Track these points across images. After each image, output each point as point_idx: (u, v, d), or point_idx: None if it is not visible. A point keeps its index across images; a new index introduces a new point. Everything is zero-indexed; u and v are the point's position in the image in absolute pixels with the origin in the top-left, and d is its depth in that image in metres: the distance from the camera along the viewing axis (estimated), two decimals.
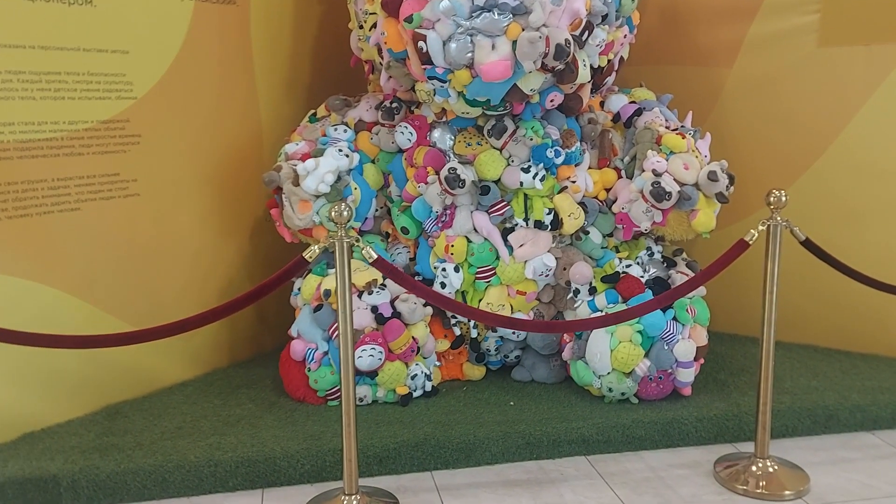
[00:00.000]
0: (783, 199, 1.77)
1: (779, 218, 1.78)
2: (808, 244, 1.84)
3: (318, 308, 2.23)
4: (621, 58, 2.44)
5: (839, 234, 2.53)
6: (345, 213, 1.61)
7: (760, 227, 1.80)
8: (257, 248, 2.70)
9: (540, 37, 1.90)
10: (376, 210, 2.43)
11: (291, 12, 2.73)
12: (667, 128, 2.34)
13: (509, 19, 1.90)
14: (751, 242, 1.80)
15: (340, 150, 2.27)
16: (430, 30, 1.96)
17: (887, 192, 2.48)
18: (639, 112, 2.41)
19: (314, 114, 2.57)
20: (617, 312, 1.85)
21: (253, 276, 2.68)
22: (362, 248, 1.66)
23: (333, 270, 2.28)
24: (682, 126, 2.37)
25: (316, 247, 1.64)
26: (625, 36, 2.33)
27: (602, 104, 2.50)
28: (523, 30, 1.90)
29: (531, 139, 2.22)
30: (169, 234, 2.37)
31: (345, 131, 2.39)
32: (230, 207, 2.56)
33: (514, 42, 1.91)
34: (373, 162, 2.41)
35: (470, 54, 1.94)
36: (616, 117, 2.44)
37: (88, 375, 2.18)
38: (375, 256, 1.67)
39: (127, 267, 2.26)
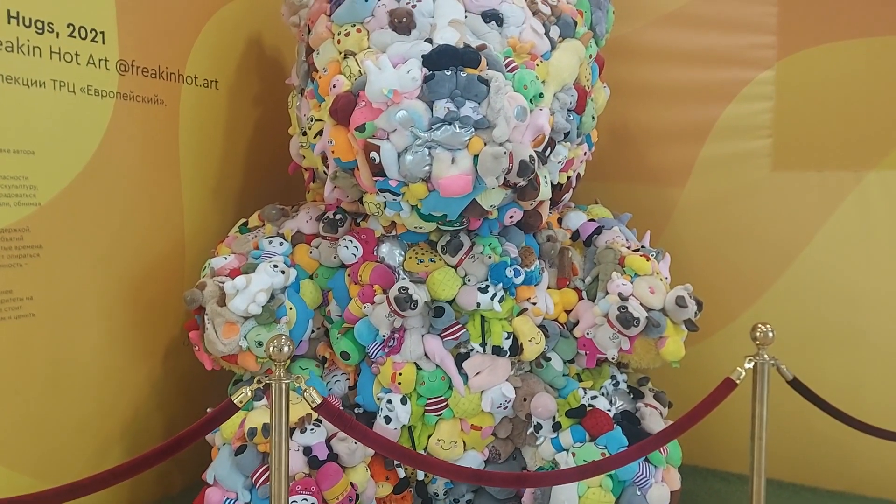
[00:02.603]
0: (770, 334, 1.64)
1: (766, 355, 1.63)
2: (795, 384, 1.70)
3: (240, 450, 1.90)
4: (578, 174, 2.34)
5: (798, 360, 2.41)
6: (285, 348, 1.35)
7: (747, 365, 1.64)
8: (171, 372, 2.36)
9: (504, 152, 1.75)
10: (312, 331, 2.16)
11: (225, 114, 2.54)
12: (628, 248, 2.22)
13: (471, 133, 1.75)
14: (738, 381, 1.64)
15: (276, 266, 2.02)
16: (384, 140, 1.79)
17: (846, 318, 2.42)
18: (598, 230, 2.29)
19: (245, 223, 2.32)
20: (593, 463, 1.62)
21: (164, 406, 2.33)
22: (305, 391, 1.40)
23: (261, 403, 1.98)
24: (642, 246, 2.26)
25: (248, 389, 1.36)
26: (585, 153, 2.25)
27: (560, 221, 2.37)
28: (485, 144, 1.76)
29: (489, 257, 2.04)
30: (68, 359, 2.02)
31: (281, 244, 2.15)
32: (142, 327, 2.24)
33: (476, 157, 1.76)
34: (311, 277, 2.17)
35: (427, 167, 1.77)
36: (575, 235, 2.32)
37: None
38: (319, 401, 1.40)
39: (15, 401, 1.90)
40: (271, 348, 1.35)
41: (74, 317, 2.03)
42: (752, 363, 1.63)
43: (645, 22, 2.65)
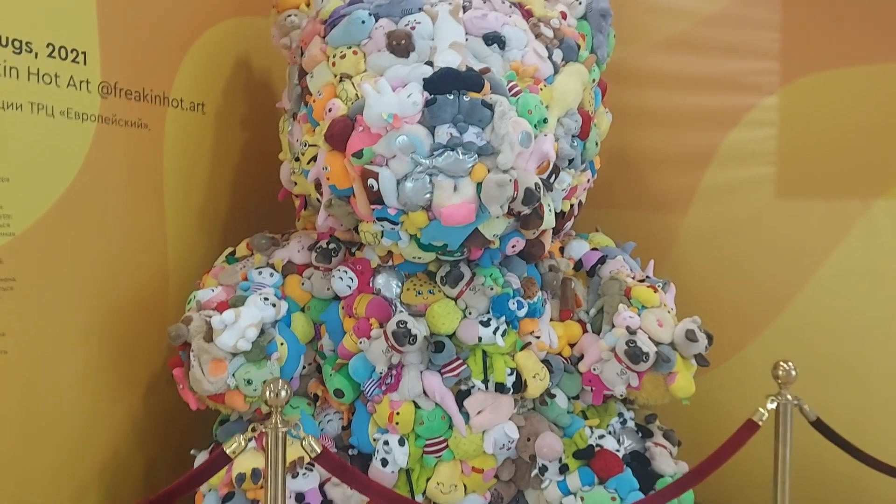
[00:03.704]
0: (793, 373, 1.56)
1: (789, 396, 1.54)
2: (818, 425, 1.61)
3: (227, 497, 1.77)
4: (580, 202, 2.26)
5: (806, 394, 2.35)
6: (282, 392, 1.24)
7: (769, 406, 1.55)
8: (152, 410, 2.22)
9: (509, 180, 1.67)
10: (303, 367, 2.04)
11: (211, 138, 2.44)
12: (633, 278, 2.14)
13: (475, 160, 1.67)
14: (760, 423, 1.55)
15: (266, 299, 1.91)
16: (382, 166, 1.70)
17: (855, 350, 2.35)
18: (602, 260, 2.20)
19: (233, 253, 2.21)
20: None
21: (144, 445, 2.19)
22: (303, 439, 1.28)
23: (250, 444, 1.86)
24: (647, 277, 2.18)
25: (241, 438, 1.25)
26: (588, 180, 2.17)
27: (562, 250, 2.28)
28: (489, 171, 1.68)
29: (490, 288, 1.94)
30: (42, 399, 1.88)
31: (271, 275, 2.05)
32: (121, 363, 2.10)
33: (479, 184, 1.68)
34: (302, 310, 2.06)
35: (428, 195, 1.68)
36: (578, 264, 2.23)
37: None
38: (319, 450, 1.29)
39: None
40: (268, 393, 1.24)
41: (49, 354, 1.90)
42: (775, 403, 1.54)
43: (645, 46, 2.60)
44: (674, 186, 2.60)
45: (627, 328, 1.94)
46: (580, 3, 2.21)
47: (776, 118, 2.43)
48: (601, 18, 2.25)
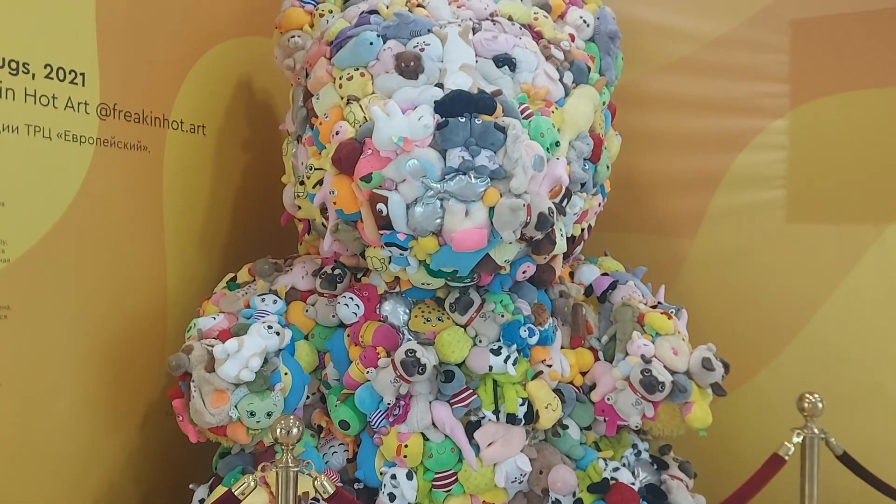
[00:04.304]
0: (819, 405, 1.50)
1: (815, 429, 1.49)
2: (845, 459, 1.56)
3: None
4: (589, 226, 2.22)
5: (819, 422, 2.30)
6: (294, 430, 1.18)
7: (795, 439, 1.50)
8: (148, 442, 2.14)
9: (523, 204, 1.62)
10: (307, 397, 1.98)
11: (212, 161, 2.39)
12: (645, 304, 2.09)
13: (487, 184, 1.62)
14: (786, 458, 1.49)
15: (270, 327, 1.84)
16: (392, 191, 1.65)
17: (869, 378, 2.30)
18: (613, 285, 2.15)
19: (234, 279, 2.15)
20: None
21: (140, 480, 2.11)
22: (315, 479, 1.22)
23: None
24: (659, 303, 2.13)
25: (251, 479, 1.18)
26: (599, 204, 2.13)
27: (572, 275, 2.23)
28: (502, 196, 1.63)
29: (501, 315, 1.89)
30: (36, 431, 1.81)
31: (274, 302, 1.98)
32: (118, 393, 2.03)
33: (491, 209, 1.63)
34: (306, 338, 1.99)
35: (439, 220, 1.63)
36: (588, 290, 2.18)
37: None
38: (332, 490, 1.23)
39: None
40: (279, 430, 1.18)
41: (44, 384, 1.82)
42: (801, 437, 1.48)
43: (651, 68, 2.57)
44: (682, 210, 2.56)
45: (642, 356, 1.89)
46: (588, 26, 2.19)
47: (786, 141, 2.40)
48: (609, 41, 2.22)
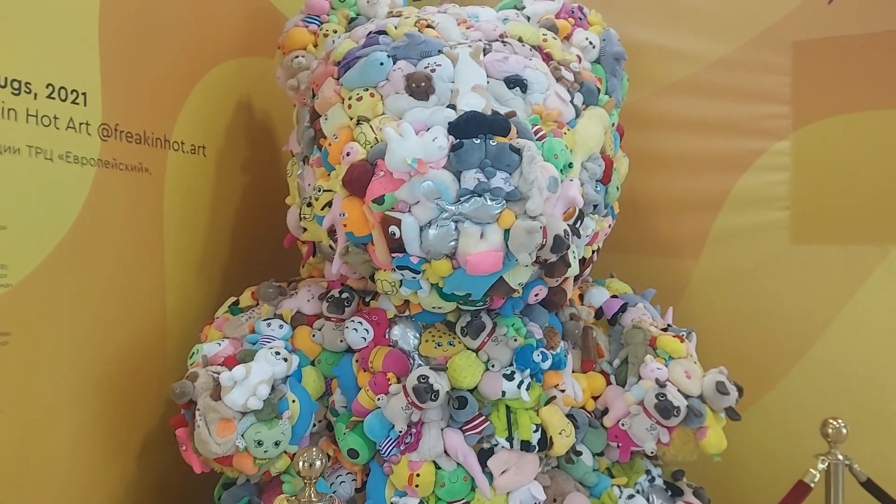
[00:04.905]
0: (843, 430, 1.48)
1: (840, 456, 1.46)
2: (869, 486, 1.54)
3: None
4: (598, 247, 2.20)
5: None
6: (317, 462, 1.13)
7: (820, 466, 1.47)
8: (147, 472, 2.07)
9: (539, 226, 1.60)
10: (314, 425, 1.92)
11: (213, 182, 2.34)
12: (655, 327, 2.07)
13: (502, 206, 1.60)
14: (812, 485, 1.47)
15: (277, 353, 1.79)
16: (405, 213, 1.62)
17: (876, 401, 2.29)
18: (623, 307, 2.13)
19: (236, 303, 2.10)
20: None
21: None
22: None
23: None
24: (669, 325, 2.11)
25: None
26: (609, 225, 2.11)
27: (581, 297, 2.21)
28: (517, 218, 1.61)
29: (514, 339, 1.85)
30: (34, 459, 1.73)
31: (280, 327, 1.93)
32: (116, 421, 1.96)
33: (507, 231, 1.60)
34: (312, 364, 1.94)
35: (453, 243, 1.60)
36: (598, 312, 2.15)
37: None
38: None
39: None
40: (301, 464, 1.13)
41: (44, 411, 1.75)
42: (826, 464, 1.46)
43: (653, 90, 2.58)
44: (685, 231, 2.55)
45: (657, 380, 1.86)
46: (593, 47, 2.18)
47: (789, 163, 2.40)
48: (615, 62, 2.22)
